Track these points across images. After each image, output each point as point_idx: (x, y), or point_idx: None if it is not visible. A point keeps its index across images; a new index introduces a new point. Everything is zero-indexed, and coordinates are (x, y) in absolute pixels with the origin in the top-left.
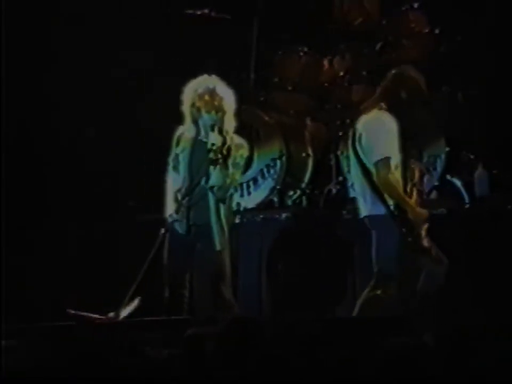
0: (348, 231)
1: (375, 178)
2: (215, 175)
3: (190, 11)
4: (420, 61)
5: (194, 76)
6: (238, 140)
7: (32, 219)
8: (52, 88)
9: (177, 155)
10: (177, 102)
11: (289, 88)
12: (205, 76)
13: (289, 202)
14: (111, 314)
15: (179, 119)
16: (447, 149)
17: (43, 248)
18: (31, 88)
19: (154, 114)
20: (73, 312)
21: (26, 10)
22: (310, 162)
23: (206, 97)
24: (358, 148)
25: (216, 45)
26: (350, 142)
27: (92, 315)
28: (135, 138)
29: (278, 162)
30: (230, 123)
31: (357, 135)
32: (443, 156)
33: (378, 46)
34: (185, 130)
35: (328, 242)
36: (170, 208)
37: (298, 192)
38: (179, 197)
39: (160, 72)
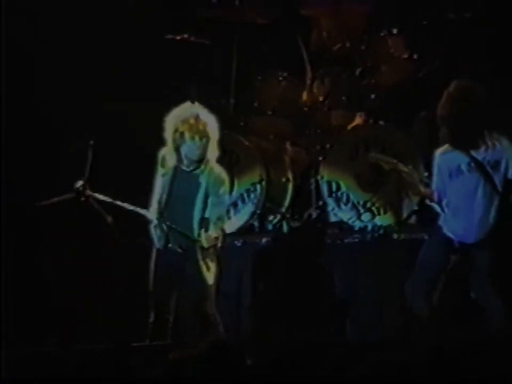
0: (328, 255)
1: None
2: (200, 210)
3: (170, 36)
4: (399, 86)
5: (174, 100)
6: (218, 171)
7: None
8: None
9: (159, 177)
10: (158, 128)
11: (269, 112)
12: (188, 103)
13: (270, 226)
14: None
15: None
16: (426, 173)
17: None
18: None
19: (135, 140)
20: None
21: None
22: (290, 187)
23: (191, 121)
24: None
25: (196, 69)
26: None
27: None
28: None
29: (258, 187)
30: (213, 152)
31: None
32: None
33: (357, 71)
34: (167, 156)
35: (308, 266)
36: (152, 213)
37: (279, 216)
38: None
39: (138, 97)
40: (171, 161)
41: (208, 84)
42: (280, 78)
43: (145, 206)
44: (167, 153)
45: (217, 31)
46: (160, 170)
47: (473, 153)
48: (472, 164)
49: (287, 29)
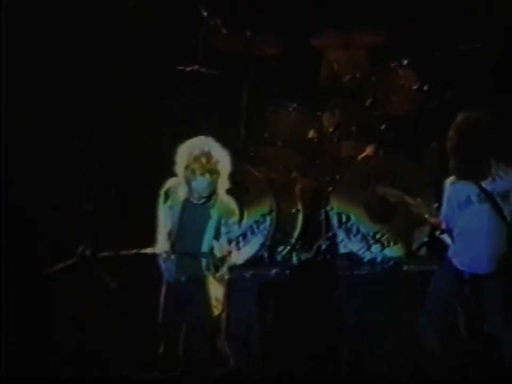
0: (337, 287)
1: None
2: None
3: (181, 67)
4: (409, 117)
5: (185, 132)
6: (227, 201)
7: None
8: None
9: (165, 208)
10: (168, 160)
11: (279, 143)
12: (201, 137)
13: (279, 258)
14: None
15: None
16: (436, 204)
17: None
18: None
19: (144, 172)
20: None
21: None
22: (300, 218)
23: (202, 159)
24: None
25: (207, 100)
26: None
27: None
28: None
29: (268, 217)
30: (223, 186)
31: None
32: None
33: (367, 102)
34: (177, 187)
35: (317, 298)
36: (161, 246)
37: (288, 247)
38: (168, 244)
39: (149, 128)
40: (181, 193)
41: (219, 115)
42: (290, 109)
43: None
44: (176, 185)
45: (228, 61)
46: (167, 202)
47: (482, 183)
48: (482, 195)
49: (297, 60)
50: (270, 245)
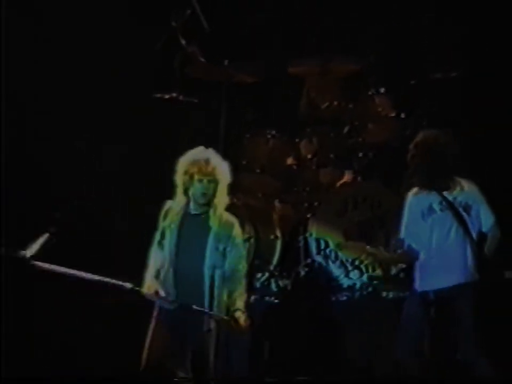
0: (317, 313)
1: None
2: (211, 254)
3: (158, 94)
4: (386, 145)
5: (163, 159)
6: (227, 216)
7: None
8: None
9: (163, 229)
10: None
11: (257, 170)
12: (201, 147)
13: (258, 284)
14: None
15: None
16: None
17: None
18: None
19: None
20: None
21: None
22: (279, 244)
23: (200, 164)
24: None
25: (184, 128)
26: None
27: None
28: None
29: (246, 244)
30: (221, 197)
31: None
32: None
33: (345, 129)
34: (174, 204)
35: (296, 324)
36: (147, 284)
37: (267, 274)
38: (162, 274)
39: (126, 158)
40: (178, 206)
41: (197, 142)
42: (269, 136)
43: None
44: (172, 204)
45: (206, 89)
46: (162, 224)
47: (444, 193)
48: (444, 203)
49: (275, 87)
50: (249, 272)
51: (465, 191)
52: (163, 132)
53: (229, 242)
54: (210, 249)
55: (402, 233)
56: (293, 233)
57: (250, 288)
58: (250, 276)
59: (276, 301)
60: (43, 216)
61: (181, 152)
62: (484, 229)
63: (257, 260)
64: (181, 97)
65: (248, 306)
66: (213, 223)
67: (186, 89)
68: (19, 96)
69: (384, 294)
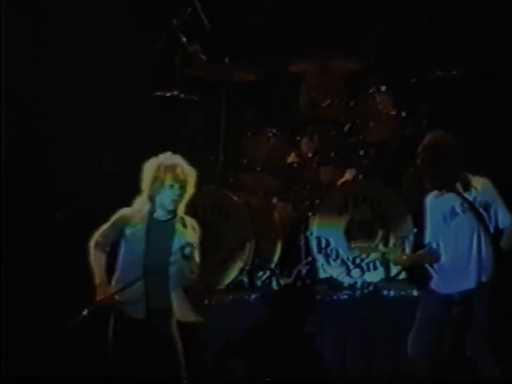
0: (317, 312)
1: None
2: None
3: (159, 93)
4: (387, 143)
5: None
6: (188, 219)
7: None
8: None
9: (126, 237)
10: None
11: (258, 169)
12: (169, 153)
13: (259, 283)
14: None
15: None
16: (415, 230)
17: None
18: None
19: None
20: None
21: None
22: (279, 243)
23: (176, 170)
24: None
25: (185, 126)
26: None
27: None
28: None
29: (247, 243)
30: (184, 203)
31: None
32: (411, 237)
33: (346, 127)
34: (134, 211)
35: (297, 323)
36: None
37: (268, 272)
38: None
39: (128, 155)
40: (142, 211)
41: (198, 141)
42: (269, 135)
43: None
44: (132, 210)
45: (207, 88)
46: (127, 230)
47: (464, 194)
48: (465, 204)
49: (276, 86)
50: (250, 270)
51: (483, 189)
52: (163, 132)
53: (189, 244)
54: (175, 254)
55: (428, 238)
56: (294, 232)
57: (251, 287)
58: (250, 274)
59: (277, 299)
60: (43, 216)
61: (181, 152)
62: (500, 226)
63: (258, 259)
64: (182, 95)
65: (249, 305)
66: (177, 225)
67: (187, 89)
68: (19, 96)
69: (385, 292)
